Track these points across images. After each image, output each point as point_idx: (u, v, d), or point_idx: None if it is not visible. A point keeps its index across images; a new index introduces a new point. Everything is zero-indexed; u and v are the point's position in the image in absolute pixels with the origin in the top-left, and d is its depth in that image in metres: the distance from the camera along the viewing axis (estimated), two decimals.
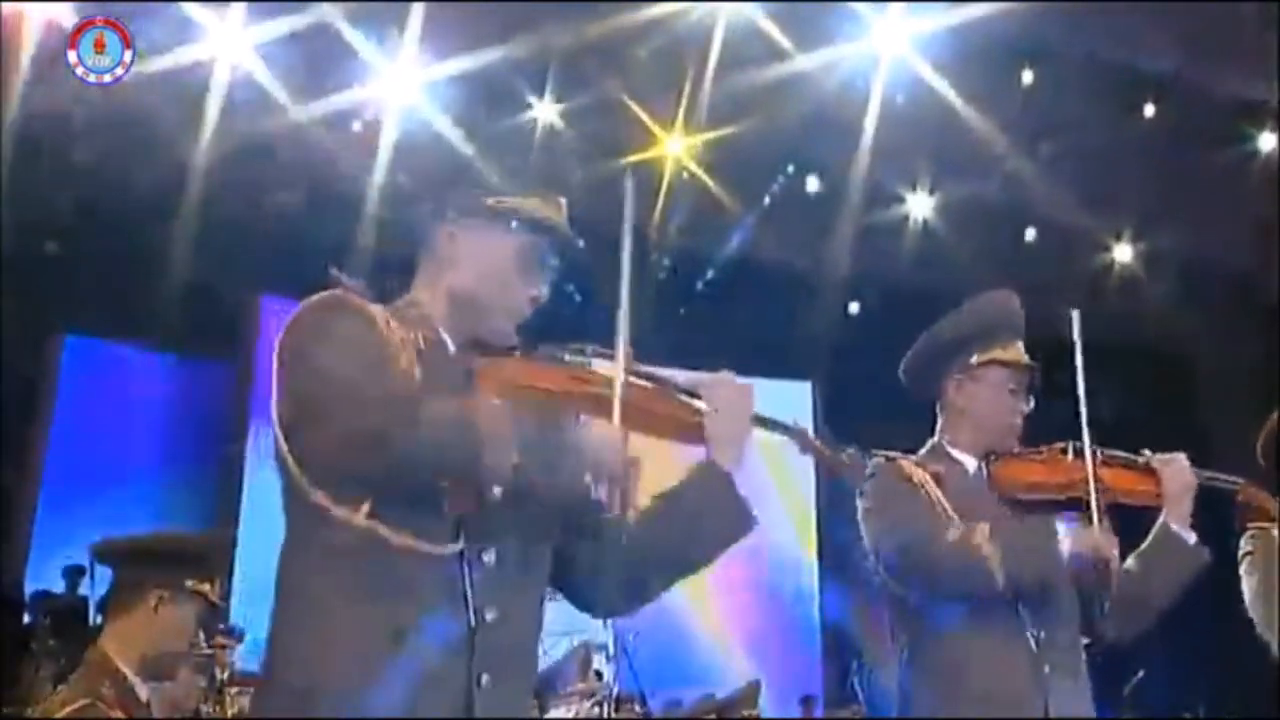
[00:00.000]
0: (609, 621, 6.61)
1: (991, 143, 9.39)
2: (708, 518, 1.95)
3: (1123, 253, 11.12)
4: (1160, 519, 2.84)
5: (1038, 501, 2.84)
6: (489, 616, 1.80)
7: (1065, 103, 9.32)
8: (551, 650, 6.33)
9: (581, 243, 2.04)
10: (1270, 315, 9.64)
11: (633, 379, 1.91)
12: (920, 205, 10.66)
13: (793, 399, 10.49)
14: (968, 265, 10.06)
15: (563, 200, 2.05)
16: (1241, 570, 3.01)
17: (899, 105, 9.18)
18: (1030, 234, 10.77)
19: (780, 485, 11.76)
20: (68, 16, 7.34)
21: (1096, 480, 2.71)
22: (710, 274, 11.24)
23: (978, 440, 2.90)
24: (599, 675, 6.95)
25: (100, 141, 8.95)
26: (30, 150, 8.30)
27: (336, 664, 1.75)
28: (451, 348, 1.97)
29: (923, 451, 2.91)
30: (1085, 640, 2.81)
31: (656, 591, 2.03)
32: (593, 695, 6.64)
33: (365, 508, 1.78)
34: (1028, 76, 9.14)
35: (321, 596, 1.80)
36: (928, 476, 2.77)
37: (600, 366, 1.93)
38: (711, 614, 10.71)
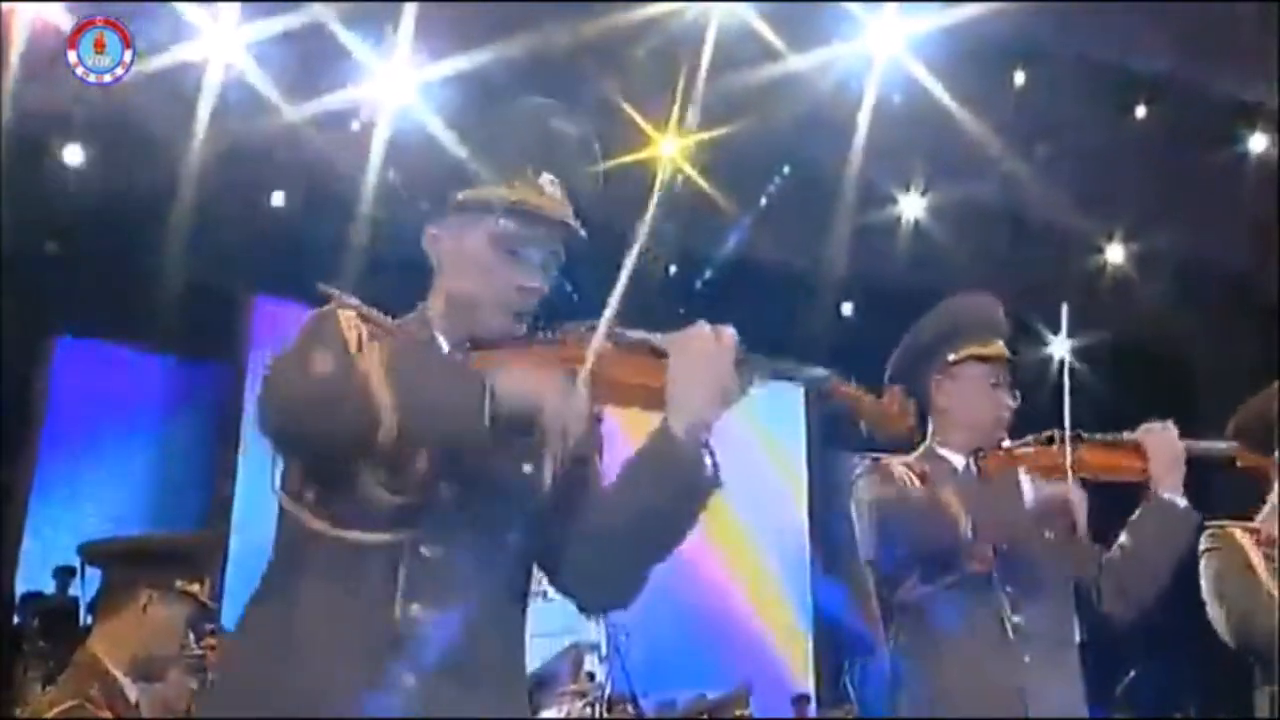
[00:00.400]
0: (601, 621, 6.62)
1: (986, 143, 9.38)
2: (662, 487, 1.76)
3: (1117, 254, 11.11)
4: (1150, 490, 2.81)
5: None
6: (419, 614, 1.73)
7: (1059, 103, 9.32)
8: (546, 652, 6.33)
9: (569, 222, 1.94)
10: (1267, 315, 9.63)
11: (608, 346, 1.79)
12: (915, 206, 10.66)
13: (788, 398, 10.51)
14: (963, 266, 10.06)
15: (547, 180, 1.93)
16: (1200, 566, 2.97)
17: (893, 106, 9.17)
18: (1025, 235, 10.77)
19: (778, 484, 11.78)
20: (66, 17, 7.33)
21: (1075, 457, 2.71)
22: (707, 274, 11.24)
23: (965, 438, 2.88)
24: (591, 676, 6.95)
25: (97, 142, 8.95)
26: (29, 150, 8.29)
27: (270, 656, 1.76)
28: (446, 349, 1.94)
29: (914, 455, 2.89)
30: (1088, 624, 2.80)
31: (639, 572, 1.86)
32: (585, 696, 6.64)
33: (310, 496, 1.80)
34: (1021, 77, 9.14)
35: (276, 590, 1.82)
36: (914, 475, 2.77)
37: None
38: (704, 614, 10.69)
